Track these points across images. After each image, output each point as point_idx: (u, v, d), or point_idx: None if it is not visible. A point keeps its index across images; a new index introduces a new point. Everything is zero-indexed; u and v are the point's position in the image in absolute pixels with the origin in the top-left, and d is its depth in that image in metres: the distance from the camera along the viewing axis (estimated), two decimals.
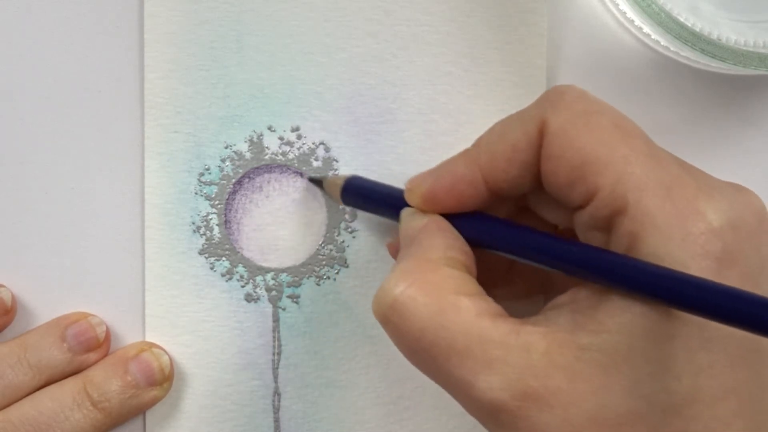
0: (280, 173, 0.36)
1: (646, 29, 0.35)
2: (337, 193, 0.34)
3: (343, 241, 0.36)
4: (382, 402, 0.36)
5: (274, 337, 0.36)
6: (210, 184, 0.36)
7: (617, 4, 0.35)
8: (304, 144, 0.36)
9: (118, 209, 0.36)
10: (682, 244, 0.24)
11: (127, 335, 0.36)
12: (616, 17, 0.36)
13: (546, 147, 0.27)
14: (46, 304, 0.35)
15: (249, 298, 0.36)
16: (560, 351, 0.25)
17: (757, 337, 0.24)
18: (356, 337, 0.36)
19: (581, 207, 0.26)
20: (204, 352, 0.35)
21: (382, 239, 0.36)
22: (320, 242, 0.36)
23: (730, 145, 0.37)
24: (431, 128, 0.36)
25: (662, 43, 0.35)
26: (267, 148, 0.36)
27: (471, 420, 0.26)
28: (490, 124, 0.29)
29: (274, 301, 0.36)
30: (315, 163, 0.36)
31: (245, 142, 0.36)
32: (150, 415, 0.35)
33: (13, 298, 0.35)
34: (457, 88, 0.36)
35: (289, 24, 0.36)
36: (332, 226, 0.36)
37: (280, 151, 0.36)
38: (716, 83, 0.37)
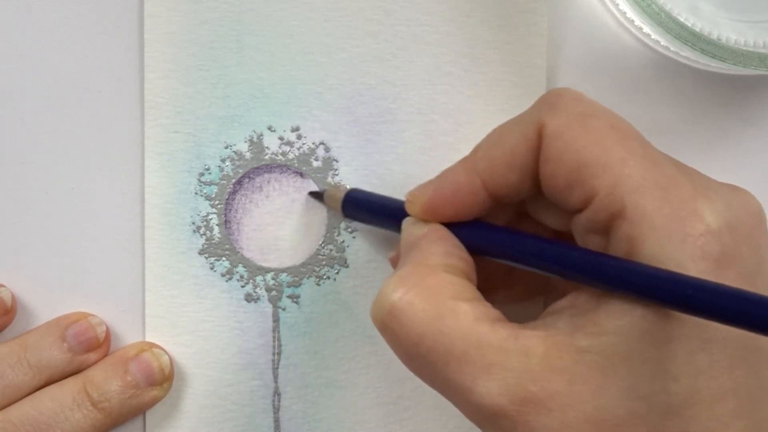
0: (280, 173, 0.36)
1: (646, 29, 0.35)
2: (338, 206, 0.34)
3: (343, 241, 0.36)
4: (382, 402, 0.36)
5: (274, 337, 0.36)
6: (210, 184, 0.36)
7: (617, 4, 0.35)
8: (304, 144, 0.36)
9: (118, 209, 0.36)
10: (681, 246, 0.24)
11: (127, 335, 0.36)
12: (616, 17, 0.36)
13: (544, 150, 0.27)
14: (46, 304, 0.35)
15: (249, 298, 0.36)
16: (559, 354, 0.25)
17: (756, 337, 0.24)
18: (356, 337, 0.36)
19: (579, 210, 0.26)
20: (204, 352, 0.35)
21: (383, 239, 0.36)
22: (320, 242, 0.36)
23: (730, 145, 0.37)
24: (431, 128, 0.36)
25: (662, 43, 0.35)
26: (267, 148, 0.36)
27: None
28: (490, 124, 0.29)
29: (274, 301, 0.36)
30: (315, 163, 0.36)
31: (245, 142, 0.36)
32: (150, 415, 0.35)
33: (13, 297, 0.35)
34: (457, 88, 0.36)
35: (289, 24, 0.36)
36: (332, 226, 0.36)
37: (280, 151, 0.36)
38: (716, 83, 0.37)
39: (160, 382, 0.35)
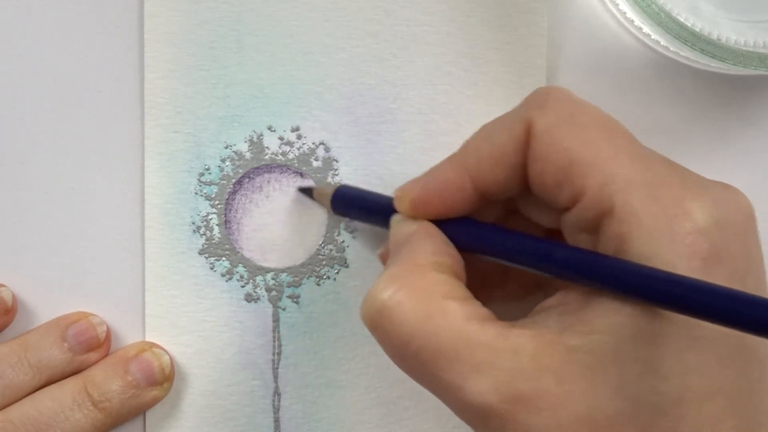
0: (280, 173, 0.36)
1: (646, 29, 0.35)
2: (327, 202, 0.34)
3: (343, 241, 0.36)
4: (382, 402, 0.36)
5: (274, 337, 0.36)
6: (210, 184, 0.36)
7: (617, 4, 0.35)
8: (304, 144, 0.36)
9: (118, 209, 0.36)
10: (670, 244, 0.24)
11: (127, 335, 0.36)
12: (616, 17, 0.36)
13: (533, 149, 0.27)
14: (46, 304, 0.35)
15: (249, 298, 0.36)
16: (549, 353, 0.24)
17: (745, 335, 0.24)
18: (356, 337, 0.36)
19: (568, 209, 0.26)
20: (204, 352, 0.35)
21: (383, 239, 0.36)
22: (320, 242, 0.36)
23: (730, 145, 0.37)
24: (431, 128, 0.36)
25: (662, 43, 0.35)
26: (267, 148, 0.36)
27: None
28: None
29: (274, 301, 0.36)
30: (315, 163, 0.36)
31: (245, 142, 0.36)
32: (150, 415, 0.35)
33: (14, 297, 0.35)
34: (457, 88, 0.36)
35: (289, 24, 0.36)
36: (332, 226, 0.36)
37: (280, 151, 0.36)
38: (716, 83, 0.37)
39: (161, 381, 0.35)
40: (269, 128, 0.36)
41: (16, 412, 0.33)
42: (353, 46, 0.36)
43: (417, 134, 0.36)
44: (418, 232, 0.29)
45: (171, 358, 0.35)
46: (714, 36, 0.33)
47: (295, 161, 0.36)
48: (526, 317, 0.27)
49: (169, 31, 0.35)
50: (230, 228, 0.36)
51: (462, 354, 0.25)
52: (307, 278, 0.36)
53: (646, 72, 0.37)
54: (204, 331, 0.35)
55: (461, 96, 0.36)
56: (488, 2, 0.36)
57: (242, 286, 0.36)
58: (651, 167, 0.26)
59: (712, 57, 0.33)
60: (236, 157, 0.36)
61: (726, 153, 0.37)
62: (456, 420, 0.36)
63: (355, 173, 0.36)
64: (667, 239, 0.24)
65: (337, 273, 0.36)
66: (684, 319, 0.24)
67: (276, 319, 0.36)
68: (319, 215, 0.36)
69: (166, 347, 0.35)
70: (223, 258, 0.36)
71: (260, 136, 0.36)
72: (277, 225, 0.36)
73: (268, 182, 0.36)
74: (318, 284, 0.36)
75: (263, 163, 0.36)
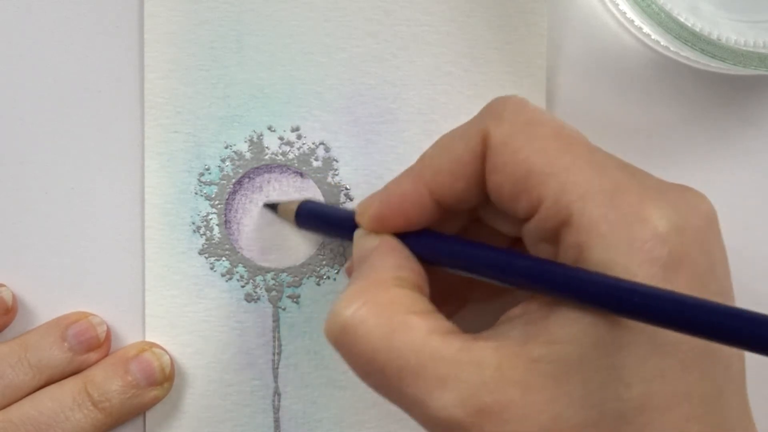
0: (280, 173, 0.36)
1: (646, 29, 0.35)
2: (291, 218, 0.34)
3: (343, 241, 0.36)
4: (382, 402, 0.36)
5: (274, 337, 0.36)
6: (210, 184, 0.36)
7: (617, 4, 0.35)
8: (304, 144, 0.36)
9: (118, 209, 0.36)
10: (628, 251, 0.24)
11: (127, 335, 0.36)
12: (616, 17, 0.36)
13: (489, 160, 0.27)
14: (46, 304, 0.35)
15: (249, 298, 0.36)
16: (512, 364, 0.24)
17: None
18: None
19: (528, 219, 0.26)
20: (204, 352, 0.35)
21: None
22: (320, 242, 0.36)
23: (730, 145, 0.37)
24: (431, 128, 0.36)
25: (662, 43, 0.35)
26: (267, 148, 0.36)
27: None
28: None
29: (274, 301, 0.36)
30: (315, 163, 0.36)
31: (245, 142, 0.36)
32: (150, 415, 0.35)
33: (14, 297, 0.35)
34: (457, 88, 0.36)
35: (289, 24, 0.36)
36: None
37: (280, 151, 0.36)
38: (716, 83, 0.37)
39: (161, 381, 0.35)
40: (269, 128, 0.36)
41: (16, 412, 0.33)
42: (353, 46, 0.36)
43: (417, 134, 0.36)
44: (379, 247, 0.28)
45: (171, 358, 0.35)
46: (714, 36, 0.33)
47: (295, 161, 0.36)
48: (490, 329, 0.26)
49: (169, 31, 0.35)
50: (230, 228, 0.36)
51: (426, 368, 0.25)
52: (307, 278, 0.36)
53: (646, 72, 0.37)
54: (204, 331, 0.35)
55: (461, 96, 0.36)
56: (488, 2, 0.36)
57: (242, 286, 0.36)
58: (608, 174, 0.25)
59: (712, 57, 0.33)
60: (236, 157, 0.36)
61: (726, 153, 0.37)
62: None
63: (355, 173, 0.36)
64: (625, 246, 0.24)
65: (337, 273, 0.36)
66: (646, 326, 0.24)
67: (276, 319, 0.36)
68: None
69: (166, 347, 0.35)
70: (223, 258, 0.36)
71: (260, 136, 0.36)
72: (277, 225, 0.36)
73: (268, 182, 0.36)
74: (318, 284, 0.36)
75: (263, 163, 0.36)
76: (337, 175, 0.36)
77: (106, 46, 0.36)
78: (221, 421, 0.35)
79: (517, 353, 0.25)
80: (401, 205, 0.29)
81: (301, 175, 0.36)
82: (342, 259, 0.36)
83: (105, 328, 0.35)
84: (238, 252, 0.36)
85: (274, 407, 0.36)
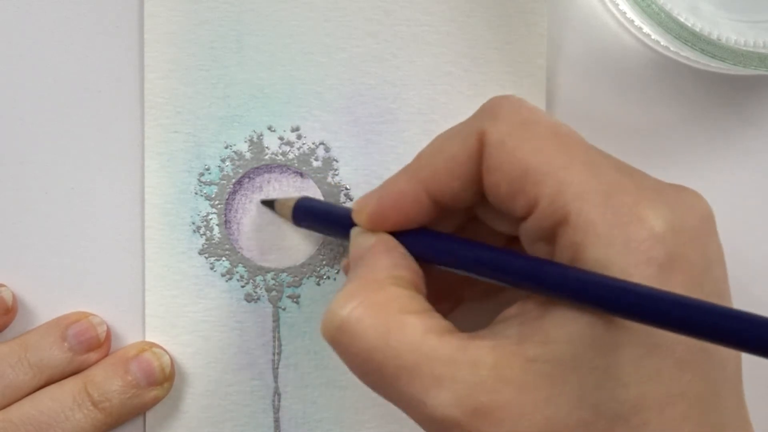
0: (280, 173, 0.36)
1: (646, 29, 0.35)
2: (288, 215, 0.34)
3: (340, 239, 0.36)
4: (382, 402, 0.36)
5: (274, 337, 0.36)
6: (210, 184, 0.36)
7: (617, 4, 0.35)
8: (304, 144, 0.36)
9: (118, 209, 0.36)
10: (625, 251, 0.24)
11: (127, 335, 0.36)
12: (616, 17, 0.36)
13: (486, 159, 0.27)
14: (46, 304, 0.35)
15: (249, 298, 0.36)
16: (508, 364, 0.24)
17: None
18: None
19: (524, 218, 0.26)
20: (204, 352, 0.35)
21: None
22: (320, 242, 0.36)
23: (730, 145, 0.37)
24: (431, 128, 0.36)
25: (662, 43, 0.35)
26: (267, 148, 0.36)
27: None
28: None
29: (274, 301, 0.36)
30: (315, 163, 0.36)
31: (245, 142, 0.36)
32: (150, 415, 0.35)
33: (14, 297, 0.35)
34: (457, 88, 0.36)
35: (289, 24, 0.36)
36: None
37: (280, 151, 0.36)
38: (716, 83, 0.37)
39: (161, 381, 0.35)
40: (269, 128, 0.36)
41: (16, 412, 0.33)
42: (353, 46, 0.36)
43: (417, 134, 0.36)
44: (376, 246, 0.28)
45: (171, 358, 0.35)
46: (714, 36, 0.33)
47: (295, 161, 0.36)
48: (486, 328, 0.26)
49: (169, 31, 0.35)
50: (230, 228, 0.36)
51: (422, 368, 0.25)
52: (307, 278, 0.36)
53: (646, 72, 0.37)
54: (204, 331, 0.35)
55: (461, 96, 0.36)
56: (488, 2, 0.36)
57: (242, 286, 0.36)
58: (605, 174, 0.25)
59: (712, 57, 0.33)
60: (236, 157, 0.36)
61: (726, 153, 0.37)
62: None
63: (355, 173, 0.36)
64: (621, 247, 0.24)
65: (337, 273, 0.36)
66: (641, 326, 0.24)
67: (276, 319, 0.36)
68: None
69: (166, 347, 0.35)
70: (223, 258, 0.36)
71: (260, 136, 0.36)
72: (277, 225, 0.36)
73: (268, 182, 0.36)
74: (318, 284, 0.36)
75: (263, 163, 0.36)
76: (337, 175, 0.36)
77: (106, 46, 0.36)
78: (221, 421, 0.35)
79: (513, 353, 0.25)
80: (398, 203, 0.29)
81: (301, 175, 0.36)
82: (342, 258, 0.36)
83: (105, 328, 0.35)
84: (238, 252, 0.36)
85: (274, 407, 0.36)
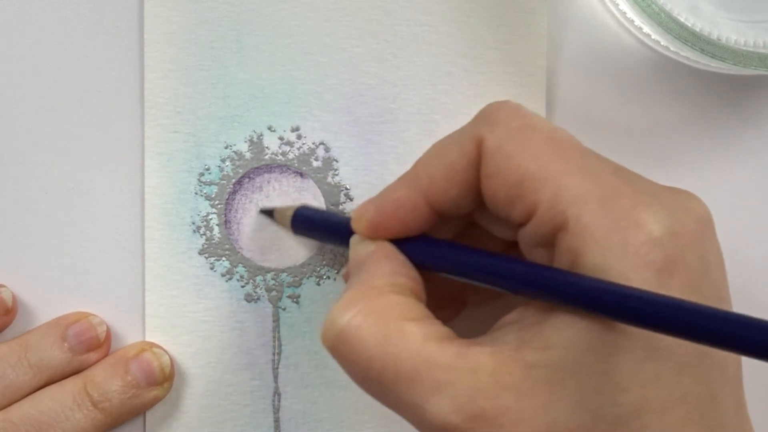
0: (280, 173, 0.36)
1: (646, 29, 0.35)
2: (287, 223, 0.34)
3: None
4: None
5: (274, 337, 0.36)
6: (210, 184, 0.36)
7: (617, 4, 0.35)
8: (304, 144, 0.36)
9: (118, 209, 0.36)
10: (623, 256, 0.24)
11: (127, 335, 0.36)
12: (616, 17, 0.36)
13: (484, 165, 0.27)
14: (46, 304, 0.35)
15: (249, 298, 0.36)
16: (508, 370, 0.25)
17: None
18: None
19: (523, 224, 0.26)
20: (204, 352, 0.35)
21: None
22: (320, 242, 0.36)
23: (730, 145, 0.37)
24: (431, 128, 0.36)
25: (662, 43, 0.35)
26: (267, 148, 0.36)
27: None
28: None
29: (274, 301, 0.36)
30: (315, 163, 0.36)
31: (245, 142, 0.36)
32: (150, 415, 0.35)
33: (14, 297, 0.35)
34: (457, 88, 0.36)
35: (289, 24, 0.36)
36: None
37: (280, 151, 0.36)
38: (716, 83, 0.37)
39: (161, 381, 0.35)
40: (269, 128, 0.36)
41: (16, 412, 0.33)
42: (353, 46, 0.36)
43: (417, 134, 0.36)
44: (375, 254, 0.29)
45: (171, 358, 0.35)
46: (714, 36, 0.33)
47: (295, 161, 0.36)
48: (486, 334, 0.26)
49: (169, 31, 0.35)
50: (230, 228, 0.36)
51: (422, 375, 0.25)
52: (307, 278, 0.36)
53: (646, 72, 0.37)
54: (204, 331, 0.35)
55: (461, 96, 0.36)
56: (488, 2, 0.36)
57: (242, 286, 0.36)
58: (602, 178, 0.25)
59: (712, 57, 0.33)
60: (236, 157, 0.36)
61: (726, 153, 0.37)
62: None
63: (355, 173, 0.36)
64: (619, 251, 0.24)
65: (337, 273, 0.36)
66: (640, 330, 0.24)
67: (276, 319, 0.36)
68: None
69: (166, 347, 0.35)
70: (223, 258, 0.36)
71: (260, 136, 0.36)
72: (277, 225, 0.36)
73: (268, 182, 0.36)
74: (318, 284, 0.36)
75: (263, 163, 0.36)
76: (337, 175, 0.36)
77: (106, 46, 0.36)
78: (221, 421, 0.35)
79: (512, 359, 0.25)
80: (396, 211, 0.29)
81: (301, 175, 0.36)
82: (342, 259, 0.36)
83: (105, 328, 0.35)
84: (238, 252, 0.36)
85: (274, 407, 0.36)
